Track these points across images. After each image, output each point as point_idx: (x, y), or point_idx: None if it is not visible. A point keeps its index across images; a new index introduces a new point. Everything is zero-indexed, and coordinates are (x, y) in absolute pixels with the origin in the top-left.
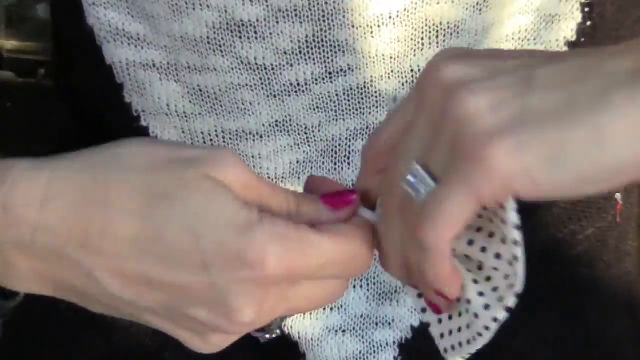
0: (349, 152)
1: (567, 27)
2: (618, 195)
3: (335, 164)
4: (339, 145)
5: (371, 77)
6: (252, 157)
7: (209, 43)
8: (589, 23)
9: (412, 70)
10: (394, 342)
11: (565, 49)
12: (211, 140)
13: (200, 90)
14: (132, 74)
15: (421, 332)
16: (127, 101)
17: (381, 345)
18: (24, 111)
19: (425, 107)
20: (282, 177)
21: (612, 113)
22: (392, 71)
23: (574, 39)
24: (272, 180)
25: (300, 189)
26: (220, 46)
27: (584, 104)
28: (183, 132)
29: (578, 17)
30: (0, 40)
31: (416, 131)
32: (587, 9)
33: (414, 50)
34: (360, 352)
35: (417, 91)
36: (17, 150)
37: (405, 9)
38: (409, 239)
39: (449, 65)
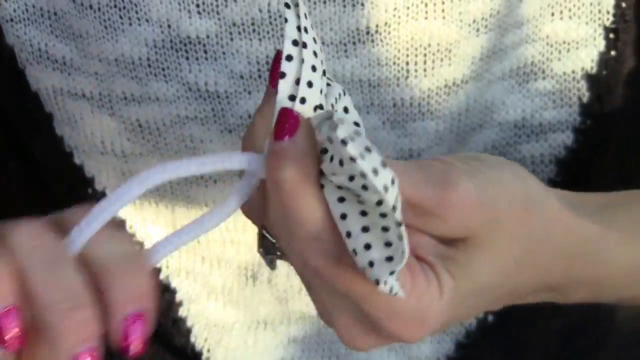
0: None
1: (587, 57)
2: None
3: None
4: None
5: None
6: (206, 205)
7: (149, 66)
8: (613, 53)
9: (394, 105)
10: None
11: (582, 82)
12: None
13: (140, 125)
14: (61, 104)
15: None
16: (59, 134)
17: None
18: None
19: None
20: (244, 230)
21: None
22: (371, 103)
23: (594, 70)
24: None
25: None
26: (163, 69)
27: None
28: (123, 174)
29: (600, 44)
30: None
31: None
32: (612, 35)
33: (397, 78)
34: None
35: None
36: None
37: (386, 23)
38: None
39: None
